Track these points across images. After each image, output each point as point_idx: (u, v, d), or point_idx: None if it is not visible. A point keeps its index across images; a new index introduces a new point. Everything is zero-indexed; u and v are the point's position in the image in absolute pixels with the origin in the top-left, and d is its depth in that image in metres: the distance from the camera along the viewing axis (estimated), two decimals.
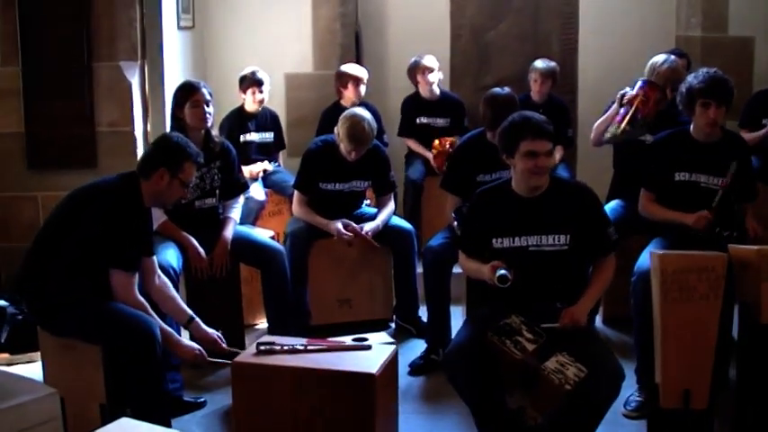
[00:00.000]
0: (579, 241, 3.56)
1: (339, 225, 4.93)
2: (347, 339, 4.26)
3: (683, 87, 4.26)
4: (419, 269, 5.02)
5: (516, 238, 3.58)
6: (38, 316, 3.66)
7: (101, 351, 3.56)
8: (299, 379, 3.18)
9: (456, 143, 6.03)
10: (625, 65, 6.51)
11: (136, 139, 5.22)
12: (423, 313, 5.12)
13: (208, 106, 4.55)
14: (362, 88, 6.11)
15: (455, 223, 4.57)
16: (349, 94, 6.09)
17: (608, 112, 5.01)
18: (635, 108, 4.75)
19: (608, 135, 4.86)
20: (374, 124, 4.90)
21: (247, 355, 3.32)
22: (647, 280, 3.86)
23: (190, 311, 3.88)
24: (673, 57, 5.16)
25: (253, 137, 5.99)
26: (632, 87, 4.88)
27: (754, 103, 5.72)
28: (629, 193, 4.77)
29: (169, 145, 3.75)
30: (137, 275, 3.62)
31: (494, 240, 3.61)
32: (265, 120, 6.10)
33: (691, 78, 4.23)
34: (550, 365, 3.29)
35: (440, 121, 6.34)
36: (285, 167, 6.22)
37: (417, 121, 6.33)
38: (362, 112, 4.94)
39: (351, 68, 6.18)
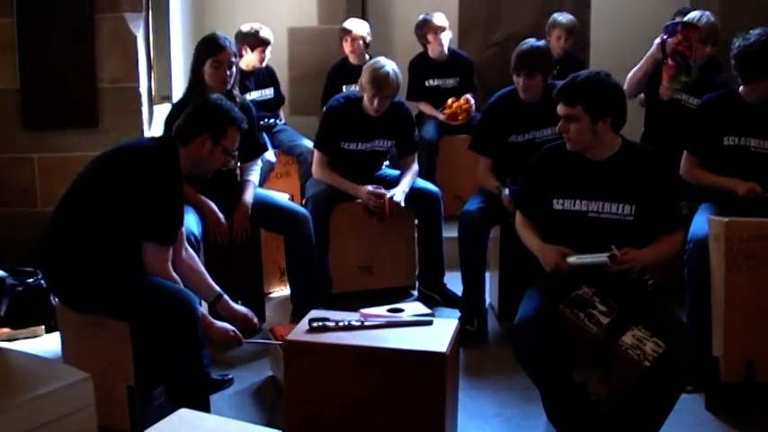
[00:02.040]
0: (645, 213, 3.35)
1: (370, 188, 4.67)
2: (381, 310, 4.02)
3: (741, 50, 4.00)
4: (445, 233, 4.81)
5: (577, 201, 3.38)
6: (60, 291, 3.34)
7: (129, 329, 3.26)
8: (360, 358, 2.90)
9: (470, 103, 5.79)
10: (639, 20, 6.36)
11: (141, 96, 4.87)
12: (446, 280, 4.89)
13: (231, 68, 4.22)
14: (359, 44, 5.88)
15: (506, 191, 4.30)
16: (348, 50, 5.88)
17: (642, 62, 4.83)
18: (683, 54, 4.56)
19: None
20: (399, 74, 4.64)
21: (299, 332, 3.02)
22: (705, 248, 3.67)
23: (218, 288, 3.59)
24: (707, 12, 4.96)
25: (253, 95, 5.68)
26: (666, 33, 4.67)
27: None
28: (662, 153, 4.55)
29: (212, 109, 3.42)
30: (171, 249, 3.31)
31: (554, 201, 3.40)
32: (263, 76, 5.79)
33: (755, 40, 3.96)
34: (627, 340, 3.08)
35: (450, 82, 6.06)
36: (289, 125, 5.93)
37: (427, 83, 6.03)
38: (386, 60, 4.68)
39: (347, 23, 5.95)
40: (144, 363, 3.31)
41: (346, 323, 3.06)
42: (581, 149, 3.36)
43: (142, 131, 4.88)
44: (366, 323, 3.09)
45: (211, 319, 3.41)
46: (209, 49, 4.21)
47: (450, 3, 6.49)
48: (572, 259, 3.28)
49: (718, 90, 4.59)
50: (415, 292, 4.98)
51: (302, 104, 6.21)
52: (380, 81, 4.53)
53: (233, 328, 3.45)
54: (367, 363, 2.90)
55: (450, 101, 5.85)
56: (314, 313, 3.19)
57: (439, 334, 3.01)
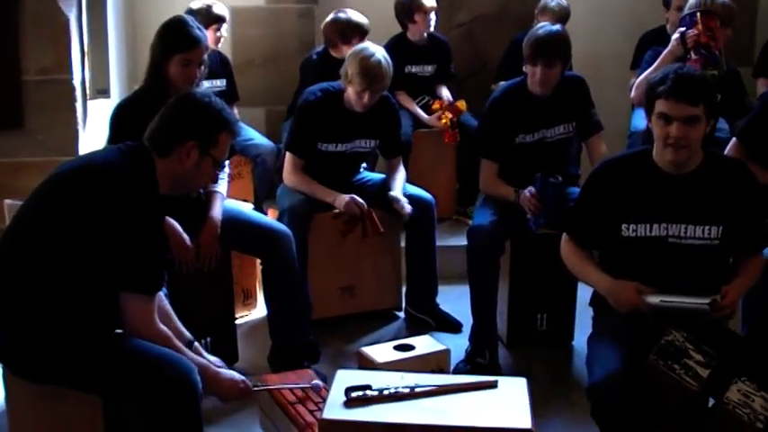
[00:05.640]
0: (732, 235, 2.81)
1: (347, 199, 4.01)
2: (386, 348, 3.40)
3: None
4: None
5: (655, 226, 2.79)
6: (7, 358, 2.54)
7: (102, 402, 2.52)
8: None
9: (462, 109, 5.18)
10: (615, 6, 6.01)
11: (74, 90, 4.07)
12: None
13: (200, 67, 3.46)
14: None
15: (529, 189, 3.71)
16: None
17: (658, 62, 4.28)
18: (707, 45, 4.09)
19: None
20: (390, 62, 3.99)
21: (336, 406, 2.34)
22: None
23: (188, 334, 2.84)
24: None
25: (204, 85, 4.87)
26: (684, 26, 4.19)
27: None
28: None
29: (200, 108, 2.64)
30: (156, 299, 2.57)
31: (624, 226, 2.81)
32: (214, 64, 4.99)
33: None
34: (733, 396, 2.56)
35: (428, 69, 5.45)
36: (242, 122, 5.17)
37: (405, 70, 5.33)
38: (375, 46, 4.05)
39: (356, 17, 5.07)
40: None
41: (392, 391, 2.40)
42: (681, 161, 2.77)
43: (76, 132, 4.08)
44: (417, 389, 2.42)
45: (215, 369, 2.68)
46: (178, 44, 3.40)
47: None
48: (654, 300, 2.69)
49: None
50: (402, 314, 4.36)
51: (248, 95, 5.47)
52: (373, 72, 3.87)
53: (242, 377, 2.74)
54: None
55: (442, 118, 5.18)
56: (343, 376, 2.51)
57: (511, 400, 2.40)
